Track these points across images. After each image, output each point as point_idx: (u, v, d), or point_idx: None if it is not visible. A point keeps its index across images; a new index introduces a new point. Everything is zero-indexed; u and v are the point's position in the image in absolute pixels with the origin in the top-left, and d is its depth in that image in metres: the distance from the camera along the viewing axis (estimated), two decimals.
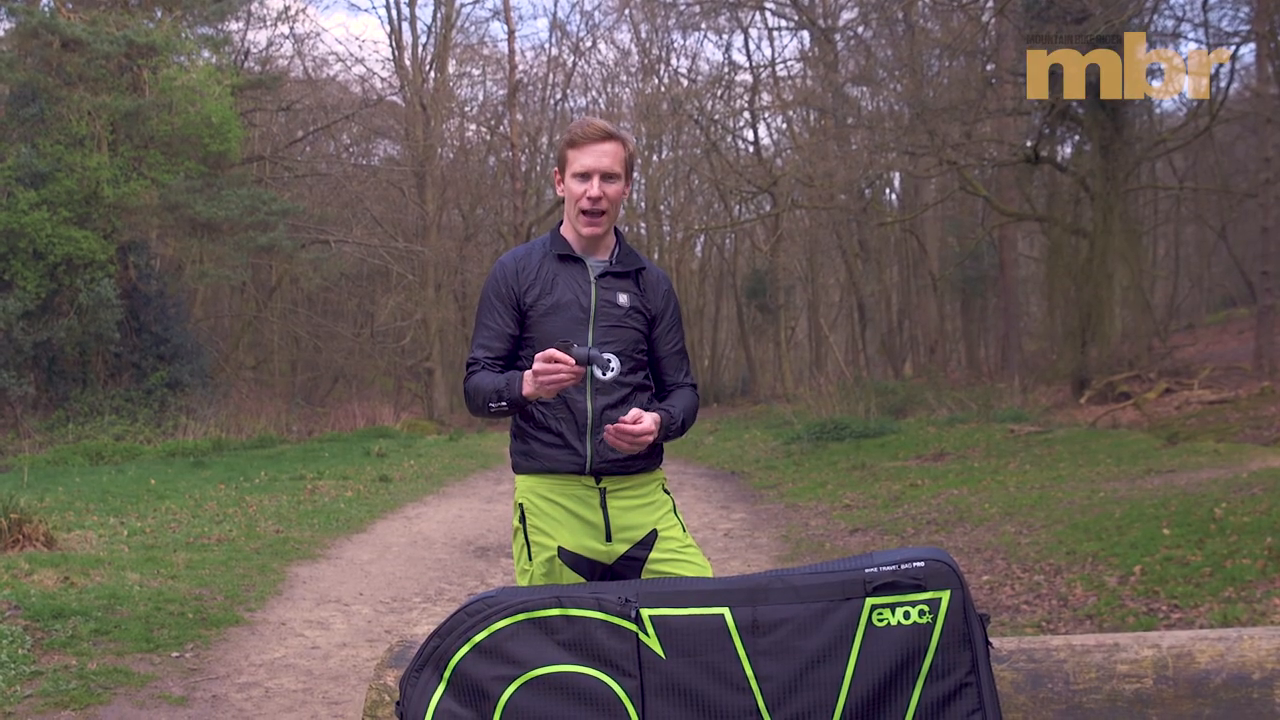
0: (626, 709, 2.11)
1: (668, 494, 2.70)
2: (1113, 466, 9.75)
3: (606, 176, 2.55)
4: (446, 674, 2.15)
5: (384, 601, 6.21)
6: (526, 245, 2.73)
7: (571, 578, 2.59)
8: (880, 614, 2.15)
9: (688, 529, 2.71)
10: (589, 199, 2.55)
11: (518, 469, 2.67)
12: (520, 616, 2.14)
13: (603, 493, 2.59)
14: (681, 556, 2.60)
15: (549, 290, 2.60)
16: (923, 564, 2.18)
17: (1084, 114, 16.17)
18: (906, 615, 2.16)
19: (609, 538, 2.59)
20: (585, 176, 2.55)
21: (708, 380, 38.35)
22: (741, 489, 11.98)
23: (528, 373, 2.45)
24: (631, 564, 2.60)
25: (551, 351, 2.37)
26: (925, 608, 2.16)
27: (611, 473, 2.58)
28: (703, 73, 29.47)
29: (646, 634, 2.13)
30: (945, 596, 2.17)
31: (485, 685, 2.13)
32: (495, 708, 2.12)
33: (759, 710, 2.11)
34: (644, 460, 2.61)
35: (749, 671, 2.13)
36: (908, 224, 24.91)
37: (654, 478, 2.67)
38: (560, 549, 2.58)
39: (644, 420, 2.45)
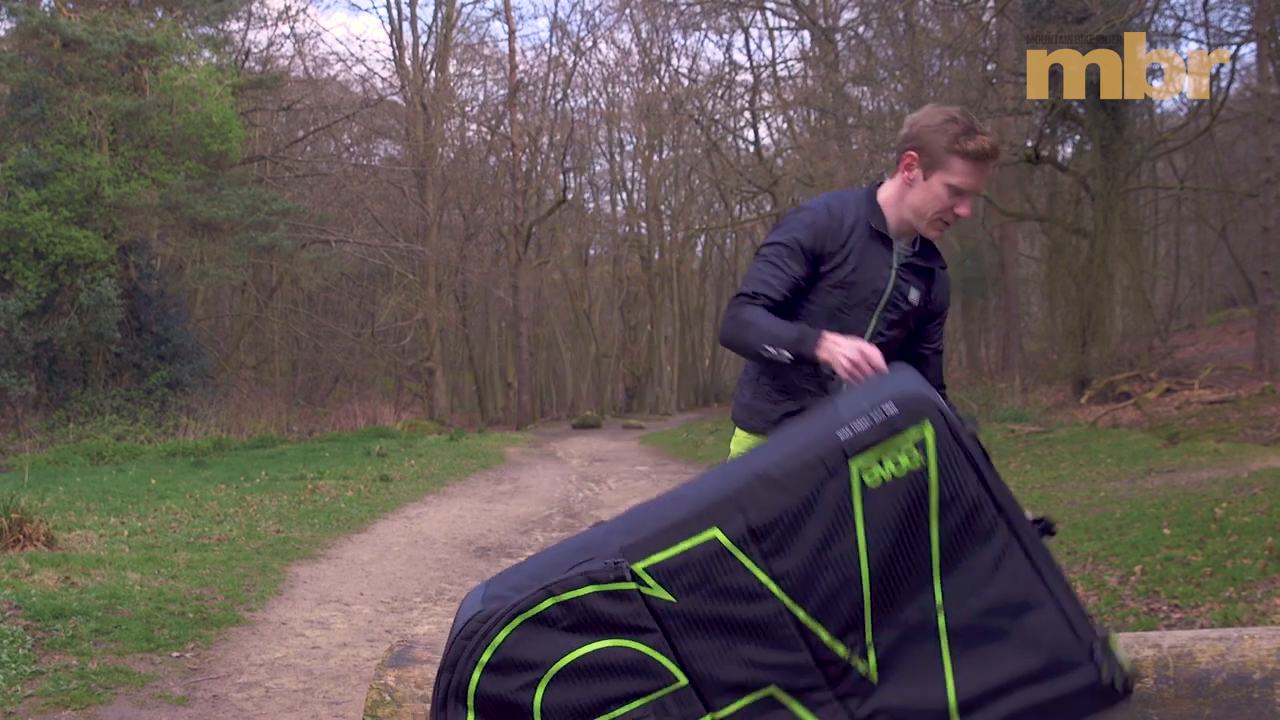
0: (660, 663, 2.04)
1: None
2: (1113, 466, 9.75)
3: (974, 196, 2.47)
4: (470, 703, 2.08)
5: (385, 601, 6.21)
6: (841, 199, 2.55)
7: None
8: (869, 473, 2.05)
9: None
10: (957, 216, 2.45)
11: (741, 424, 2.59)
12: (517, 621, 2.07)
13: None
14: None
15: (849, 262, 2.46)
16: (894, 407, 2.07)
17: (1084, 114, 16.17)
18: (897, 464, 2.05)
19: None
20: (961, 193, 2.43)
21: (708, 380, 38.34)
22: None
23: (833, 340, 2.31)
24: None
25: (875, 355, 2.27)
26: (912, 449, 2.05)
27: None
28: (703, 73, 29.49)
29: (649, 586, 2.05)
30: (928, 430, 2.06)
31: (513, 698, 2.06)
32: (533, 714, 2.05)
33: (787, 608, 2.04)
34: None
35: (763, 578, 2.05)
36: None
37: None
38: None
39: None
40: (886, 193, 2.53)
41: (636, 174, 32.72)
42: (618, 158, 33.12)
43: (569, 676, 2.04)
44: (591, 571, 2.06)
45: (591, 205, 34.68)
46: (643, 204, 31.94)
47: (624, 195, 33.79)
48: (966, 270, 25.80)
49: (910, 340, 2.57)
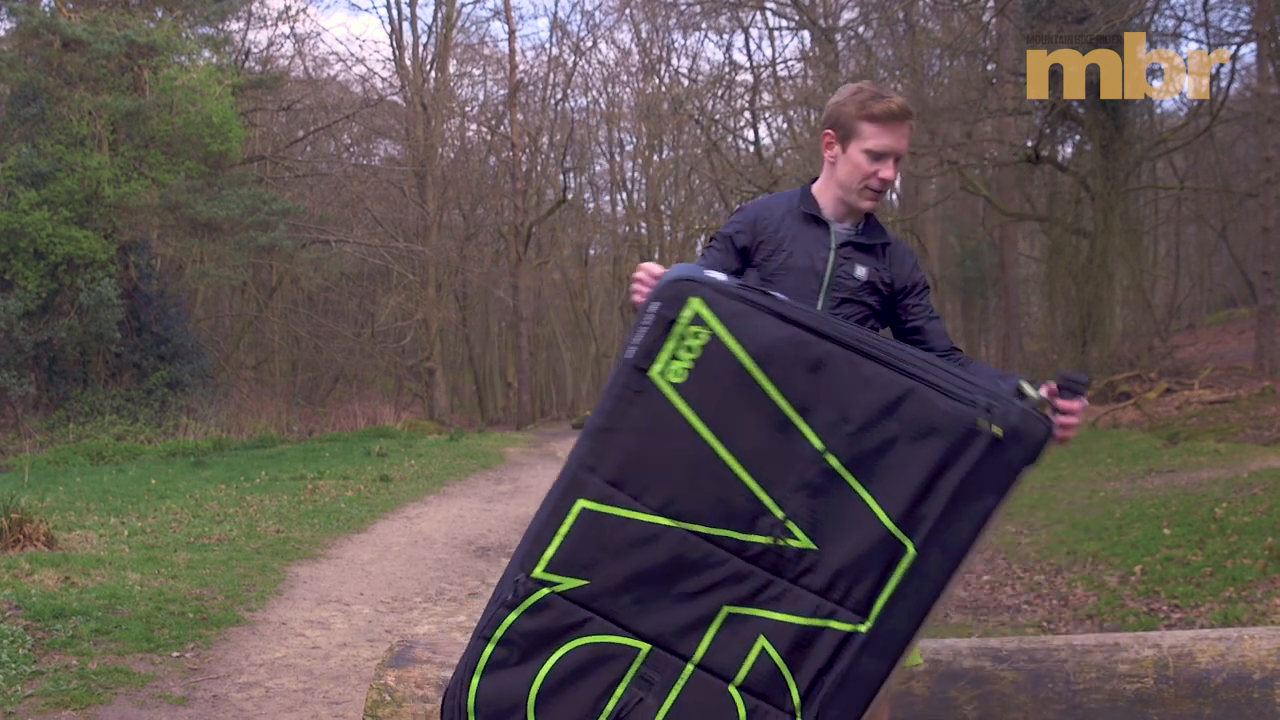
0: (615, 642, 2.06)
1: None
2: (1113, 466, 9.75)
3: (899, 158, 2.46)
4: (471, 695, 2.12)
5: (384, 601, 6.21)
6: (775, 196, 2.61)
7: None
8: (671, 371, 2.06)
9: None
10: (881, 180, 2.46)
11: None
12: (475, 681, 2.09)
13: None
14: None
15: (782, 249, 2.49)
16: (657, 302, 2.07)
17: (1084, 114, 16.17)
18: (689, 348, 2.06)
19: None
20: (880, 157, 2.44)
21: None
22: None
23: None
24: None
25: (652, 267, 2.27)
26: (693, 329, 2.05)
27: None
28: (703, 72, 29.47)
29: (559, 583, 2.07)
30: (697, 305, 2.06)
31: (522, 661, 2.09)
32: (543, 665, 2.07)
33: (687, 530, 2.04)
34: None
35: (647, 518, 2.06)
36: (908, 223, 24.88)
37: None
38: None
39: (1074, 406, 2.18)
40: (820, 181, 2.58)
41: (636, 174, 32.73)
42: (618, 158, 33.13)
43: (547, 701, 2.06)
44: (505, 599, 2.09)
45: (591, 205, 34.68)
46: (643, 204, 31.93)
47: (624, 195, 33.80)
48: (966, 270, 25.81)
49: (894, 320, 2.57)
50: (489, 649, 2.09)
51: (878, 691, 2.03)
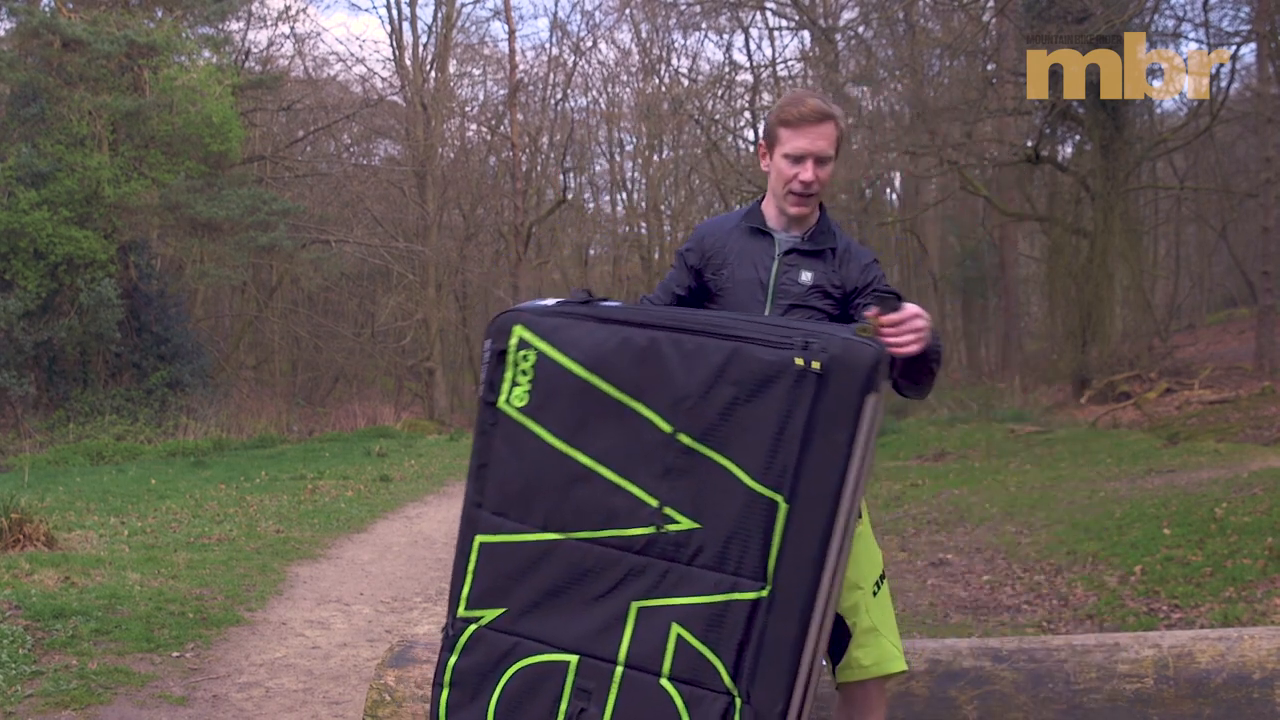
0: (545, 660, 2.12)
1: None
2: (1113, 466, 9.75)
3: (820, 160, 2.47)
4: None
5: (384, 601, 6.21)
6: (727, 214, 2.69)
7: None
8: (515, 398, 2.17)
9: (865, 511, 2.55)
10: (801, 183, 2.47)
11: None
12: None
13: None
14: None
15: (729, 264, 2.54)
16: (488, 340, 2.21)
17: (1084, 114, 16.17)
18: (524, 373, 2.17)
19: None
20: (798, 159, 2.47)
21: None
22: None
23: None
24: None
25: None
26: (521, 353, 2.17)
27: None
28: (703, 73, 29.45)
29: (481, 617, 2.18)
30: (520, 331, 2.18)
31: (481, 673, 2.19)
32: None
33: (575, 540, 2.12)
34: None
35: (536, 537, 2.16)
36: (908, 224, 24.91)
37: None
38: None
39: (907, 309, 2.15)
40: (766, 197, 2.63)
41: (636, 174, 32.71)
42: (618, 158, 33.10)
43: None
44: (443, 643, 2.22)
45: (591, 205, 34.65)
46: (643, 204, 31.92)
47: (624, 195, 33.77)
48: (966, 270, 25.81)
49: (848, 321, 2.54)
50: (444, 695, 2.20)
51: (803, 655, 2.05)
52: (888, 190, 27.48)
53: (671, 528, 2.08)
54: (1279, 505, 6.46)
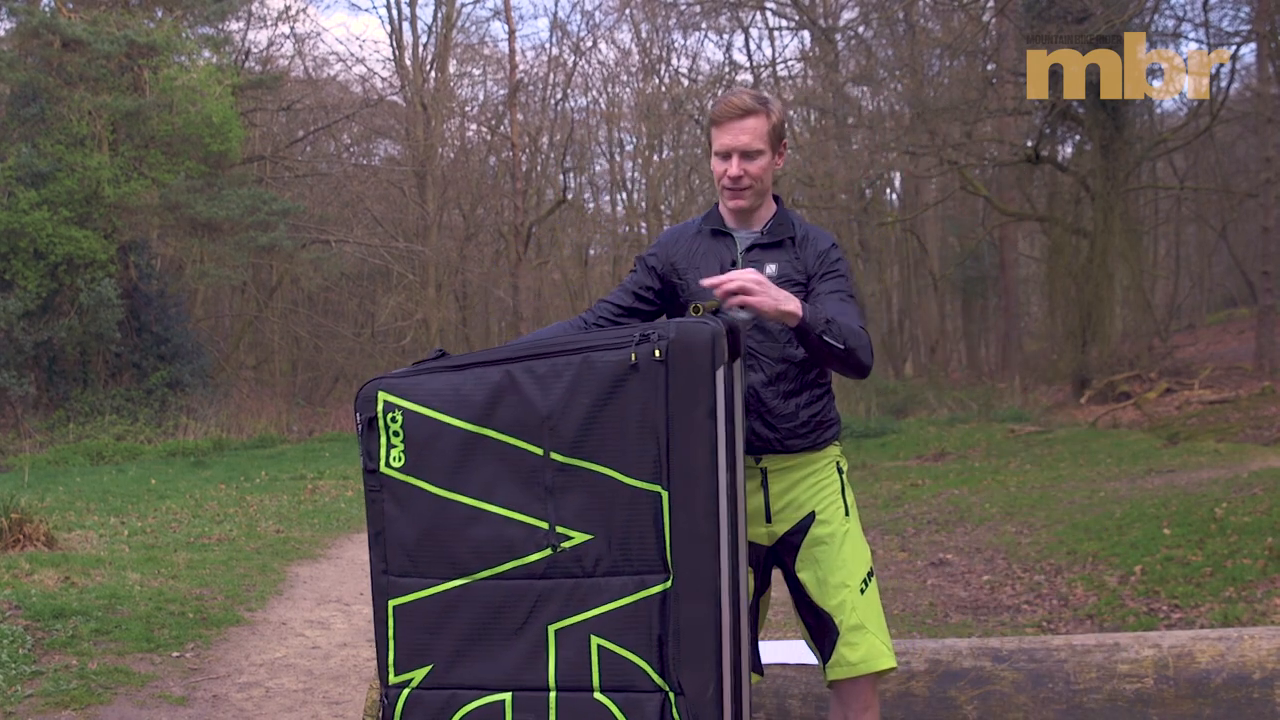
0: (484, 704, 2.19)
1: (840, 472, 2.59)
2: (1113, 466, 9.75)
3: (746, 154, 2.52)
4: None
5: None
6: (688, 221, 2.75)
7: None
8: (393, 458, 2.24)
9: (853, 508, 2.58)
10: (730, 178, 2.54)
11: None
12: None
13: (764, 473, 2.54)
14: (833, 543, 2.51)
15: (695, 267, 2.60)
16: (357, 412, 2.28)
17: (1084, 114, 16.17)
18: (395, 433, 2.23)
19: (769, 519, 2.55)
20: (726, 155, 2.54)
21: None
22: None
23: None
24: (788, 546, 2.55)
25: None
26: (388, 415, 2.23)
27: (773, 451, 2.53)
28: (703, 73, 29.42)
29: (412, 678, 2.23)
30: (383, 396, 2.25)
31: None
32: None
33: (480, 580, 2.19)
34: (805, 439, 2.54)
35: (442, 588, 2.22)
36: (908, 224, 24.91)
37: (823, 456, 2.58)
38: None
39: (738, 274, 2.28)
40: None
41: (636, 174, 32.68)
42: (618, 158, 33.08)
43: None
44: (381, 715, 2.27)
45: (591, 205, 34.62)
46: (643, 204, 31.90)
47: (624, 195, 33.75)
48: (966, 270, 25.81)
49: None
50: None
51: (723, 635, 2.12)
52: (888, 190, 27.49)
53: (567, 545, 2.15)
54: (1279, 505, 6.46)
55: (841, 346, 2.35)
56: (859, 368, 2.42)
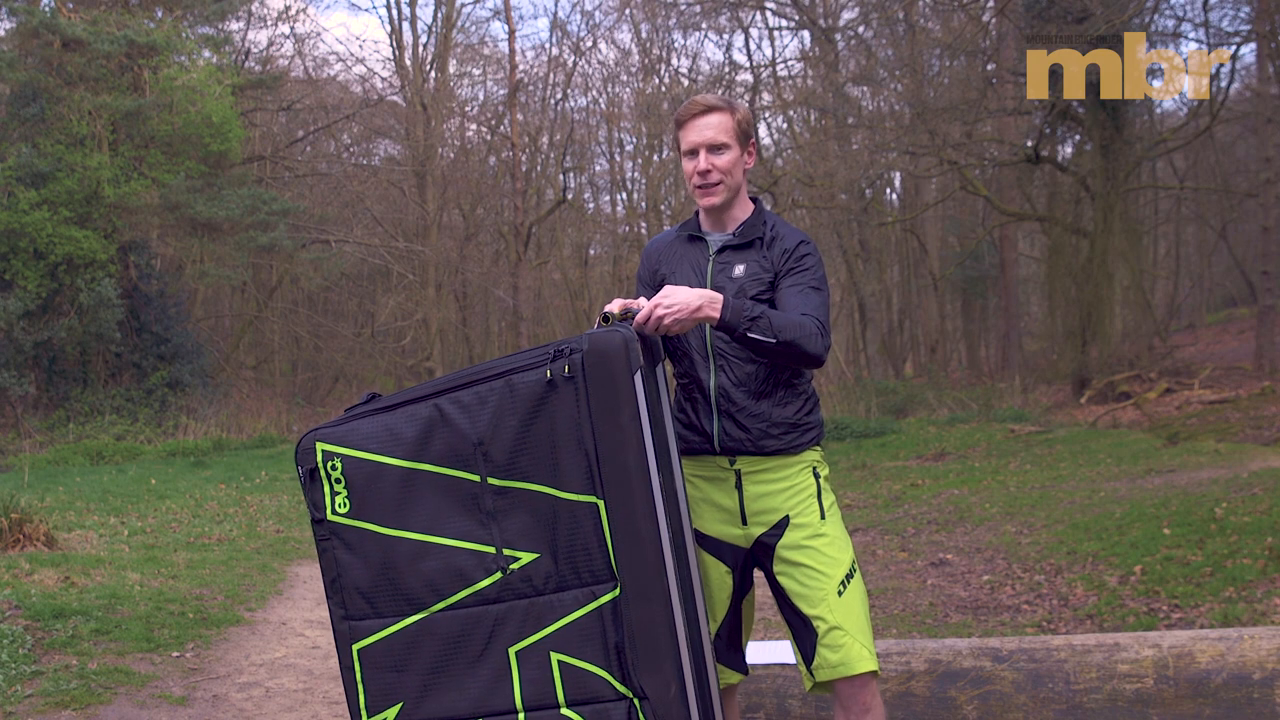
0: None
1: (816, 476, 2.58)
2: (1113, 466, 9.75)
3: (713, 149, 2.55)
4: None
5: None
6: (667, 230, 2.80)
7: (712, 563, 2.58)
8: (338, 504, 2.27)
9: (833, 510, 2.57)
10: (697, 174, 2.57)
11: None
12: None
13: (738, 474, 2.55)
14: (810, 546, 2.51)
15: (674, 273, 2.64)
16: (298, 466, 2.31)
17: (1084, 114, 16.16)
18: (336, 480, 2.26)
19: (744, 521, 2.56)
20: (693, 153, 2.58)
21: None
22: None
23: None
24: (765, 549, 2.55)
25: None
26: (327, 465, 2.27)
27: (746, 453, 2.54)
28: (703, 73, 29.43)
29: (389, 713, 2.26)
30: (320, 446, 2.28)
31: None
32: None
33: (436, 612, 2.23)
34: (779, 440, 2.54)
35: (400, 626, 2.28)
36: (908, 224, 24.91)
37: (799, 460, 2.57)
38: (698, 532, 2.57)
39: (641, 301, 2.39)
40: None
41: (636, 174, 32.67)
42: (618, 158, 33.07)
43: None
44: None
45: (591, 205, 34.62)
46: (643, 204, 31.88)
47: (624, 195, 33.75)
48: (966, 270, 25.80)
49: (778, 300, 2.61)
50: None
51: (678, 634, 2.16)
52: (888, 190, 27.49)
53: (515, 566, 2.20)
54: (1279, 505, 6.46)
55: (772, 340, 2.37)
56: (805, 358, 2.43)
